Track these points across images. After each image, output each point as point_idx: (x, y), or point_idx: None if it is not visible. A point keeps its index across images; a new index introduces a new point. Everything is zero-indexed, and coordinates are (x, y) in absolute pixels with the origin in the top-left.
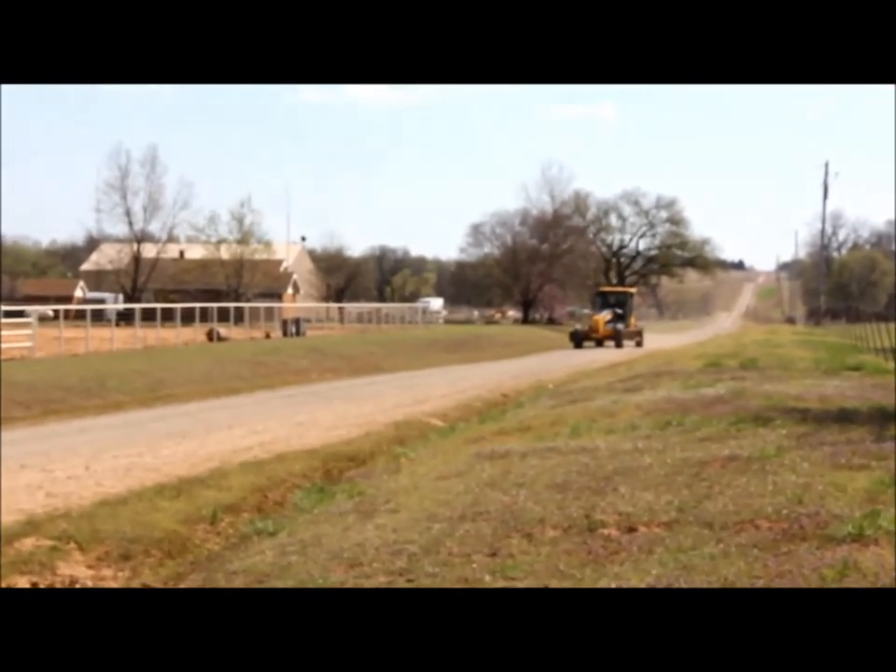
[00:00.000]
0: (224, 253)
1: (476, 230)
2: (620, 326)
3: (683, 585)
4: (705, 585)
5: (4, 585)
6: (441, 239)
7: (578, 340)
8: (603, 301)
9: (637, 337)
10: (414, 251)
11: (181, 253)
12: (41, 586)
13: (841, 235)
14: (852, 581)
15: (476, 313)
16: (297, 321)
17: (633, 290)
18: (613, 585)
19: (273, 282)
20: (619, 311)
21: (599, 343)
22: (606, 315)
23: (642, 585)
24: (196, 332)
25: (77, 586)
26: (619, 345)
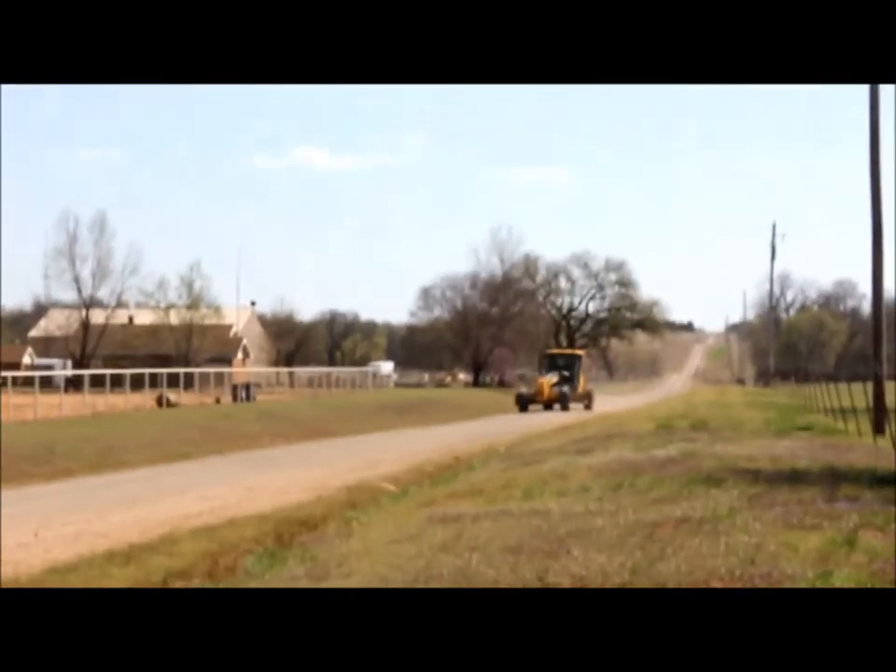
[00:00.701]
0: (173, 318)
1: (426, 293)
2: (566, 388)
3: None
4: None
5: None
6: (392, 302)
7: (523, 403)
8: (550, 363)
9: (586, 400)
10: (364, 315)
11: (130, 319)
12: None
13: (789, 296)
14: None
15: (426, 376)
16: (247, 386)
17: (581, 353)
18: None
19: (222, 347)
20: (566, 373)
21: (547, 407)
22: (552, 377)
23: None
24: (145, 398)
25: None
26: (565, 408)
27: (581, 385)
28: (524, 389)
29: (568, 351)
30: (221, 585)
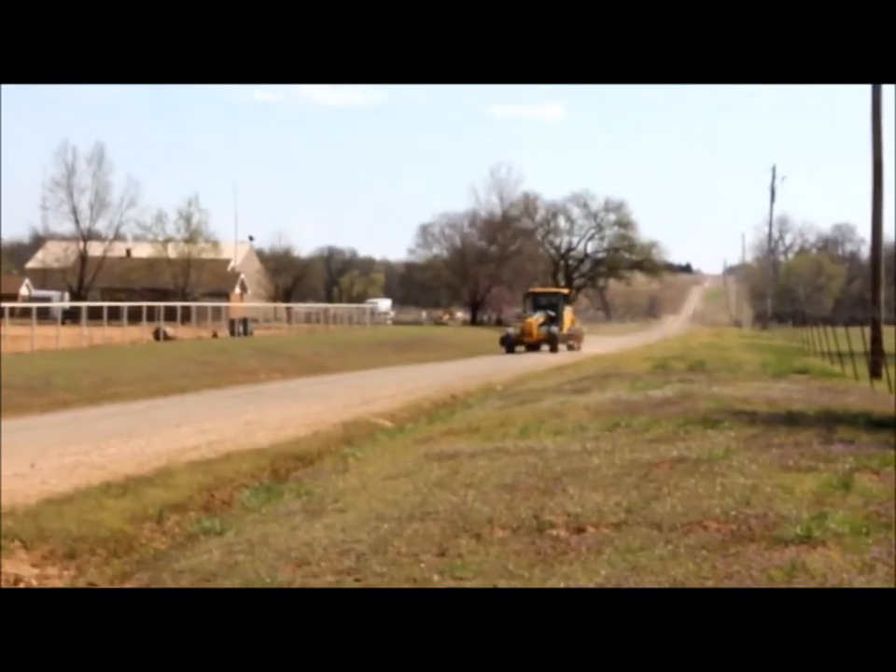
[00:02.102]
0: (171, 252)
1: (425, 231)
2: (554, 329)
3: (632, 584)
4: (653, 585)
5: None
6: (390, 240)
7: (510, 344)
8: (534, 302)
9: (572, 340)
10: (363, 252)
11: (128, 252)
12: None
13: (788, 239)
14: (800, 583)
15: (424, 314)
16: (244, 321)
17: (566, 291)
18: (562, 585)
19: (220, 281)
20: (551, 313)
21: (532, 348)
22: (538, 317)
23: (591, 585)
24: (143, 331)
25: (22, 585)
26: (553, 349)
27: (567, 324)
28: (510, 330)
29: (553, 289)
30: (217, 518)
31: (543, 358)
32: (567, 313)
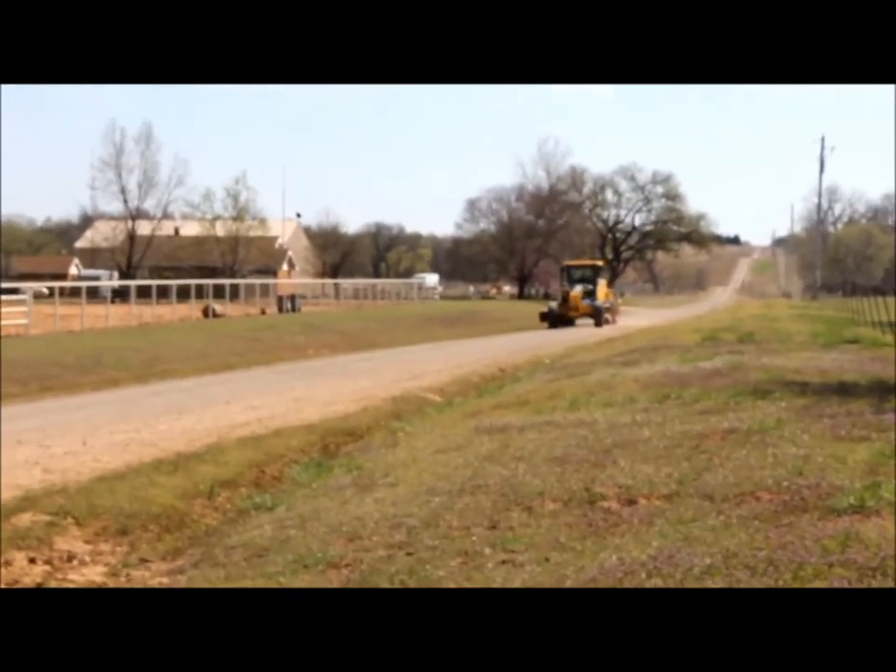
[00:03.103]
0: (219, 230)
1: (472, 205)
2: (599, 302)
3: (685, 556)
4: (706, 557)
5: (2, 561)
6: (437, 215)
7: (553, 320)
8: (569, 276)
9: (607, 314)
10: (410, 227)
11: (176, 230)
12: (38, 561)
13: (837, 210)
14: (854, 552)
15: (471, 288)
16: (292, 297)
17: (600, 263)
18: (614, 557)
19: (268, 258)
20: (589, 286)
21: (567, 323)
22: (579, 290)
23: (643, 557)
24: (191, 309)
25: (75, 562)
26: (598, 324)
27: (601, 297)
28: (552, 304)
29: (589, 262)
30: (268, 494)
31: (589, 332)
32: (602, 285)
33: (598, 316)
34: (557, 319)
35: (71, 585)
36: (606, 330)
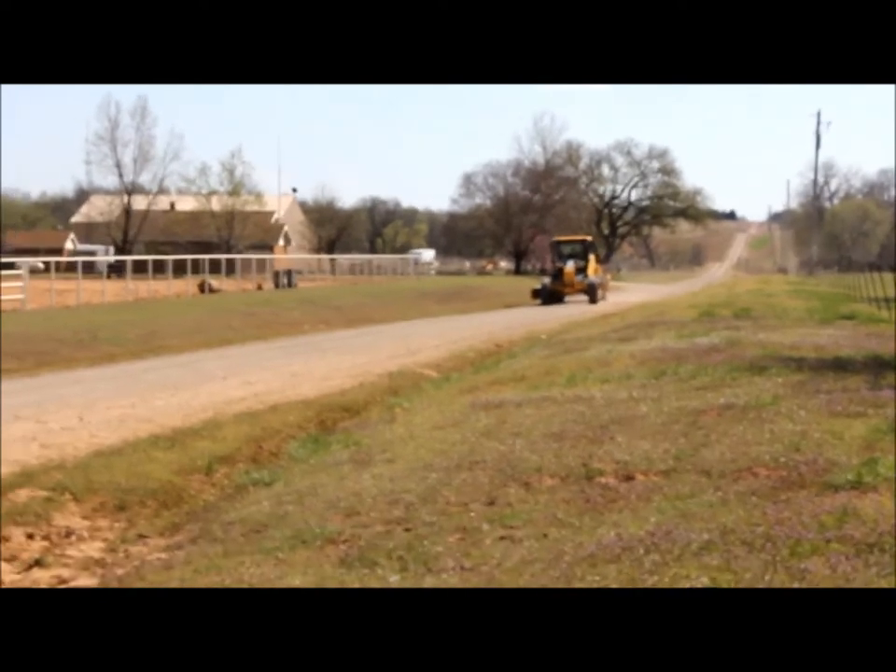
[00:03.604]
0: (215, 205)
1: (468, 180)
2: (593, 279)
3: (682, 532)
4: (704, 533)
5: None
6: (433, 190)
7: (545, 296)
8: (558, 251)
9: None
10: (406, 202)
11: (172, 205)
12: (36, 536)
13: (833, 185)
14: (851, 528)
15: (468, 264)
16: (288, 273)
17: (589, 238)
18: (612, 533)
19: (264, 234)
20: (581, 262)
21: (557, 300)
22: (572, 266)
23: (641, 533)
24: (188, 284)
25: (73, 538)
26: (593, 300)
27: (592, 272)
28: (545, 280)
29: (579, 237)
30: (266, 470)
31: (583, 308)
32: (592, 261)
33: (593, 293)
34: (550, 296)
35: (69, 560)
36: (599, 307)
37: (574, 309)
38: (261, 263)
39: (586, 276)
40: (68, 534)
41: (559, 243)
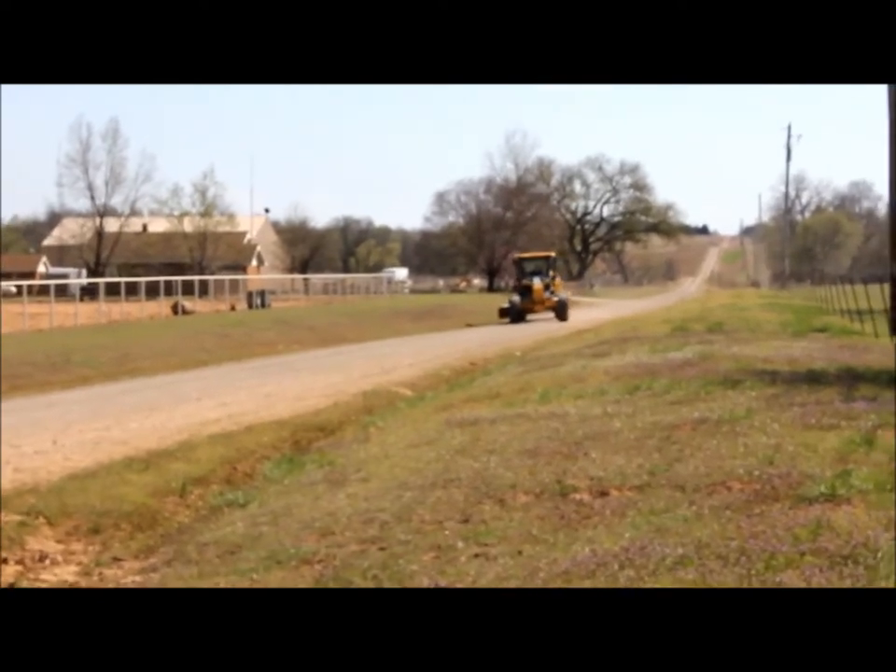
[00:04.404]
0: (187, 226)
1: (441, 198)
2: (563, 296)
3: (657, 547)
4: (679, 547)
5: None
6: (406, 209)
7: (514, 314)
8: (521, 268)
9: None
10: (378, 221)
11: (144, 227)
12: (10, 561)
13: (804, 198)
14: (825, 540)
15: (441, 282)
16: (262, 293)
17: (553, 254)
18: (586, 549)
19: (237, 254)
20: (546, 279)
21: (518, 318)
22: (539, 283)
23: (615, 548)
24: (161, 306)
25: (48, 561)
26: (562, 318)
27: (557, 289)
28: (514, 298)
29: (542, 253)
30: (240, 490)
31: (556, 325)
32: (556, 277)
33: (563, 310)
34: (519, 314)
35: (43, 585)
36: (571, 322)
37: (547, 326)
38: (235, 284)
39: (554, 293)
40: (42, 558)
41: (522, 259)
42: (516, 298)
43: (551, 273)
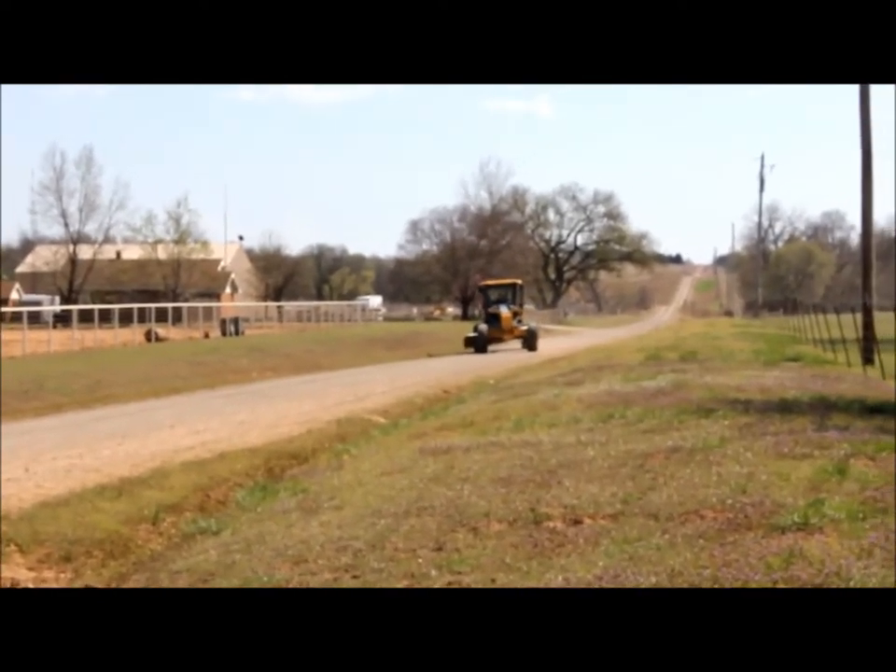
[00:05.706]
0: (161, 253)
1: (415, 226)
2: (533, 325)
3: (630, 576)
4: (652, 576)
5: None
6: (380, 237)
7: (481, 344)
8: (486, 296)
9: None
10: (353, 249)
11: (118, 254)
12: None
13: (777, 228)
14: (798, 569)
15: (415, 310)
16: (235, 320)
17: (519, 282)
18: (560, 577)
19: (210, 282)
20: (514, 307)
21: (480, 349)
22: (507, 311)
23: (589, 577)
24: (134, 333)
25: (20, 587)
26: (532, 347)
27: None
28: (481, 326)
29: (508, 281)
30: (213, 518)
31: (530, 354)
32: (521, 306)
33: (533, 339)
34: (486, 343)
35: None
36: (544, 351)
37: (520, 354)
38: (208, 311)
39: (522, 321)
40: (13, 585)
41: (487, 287)
42: (483, 326)
43: (518, 301)
